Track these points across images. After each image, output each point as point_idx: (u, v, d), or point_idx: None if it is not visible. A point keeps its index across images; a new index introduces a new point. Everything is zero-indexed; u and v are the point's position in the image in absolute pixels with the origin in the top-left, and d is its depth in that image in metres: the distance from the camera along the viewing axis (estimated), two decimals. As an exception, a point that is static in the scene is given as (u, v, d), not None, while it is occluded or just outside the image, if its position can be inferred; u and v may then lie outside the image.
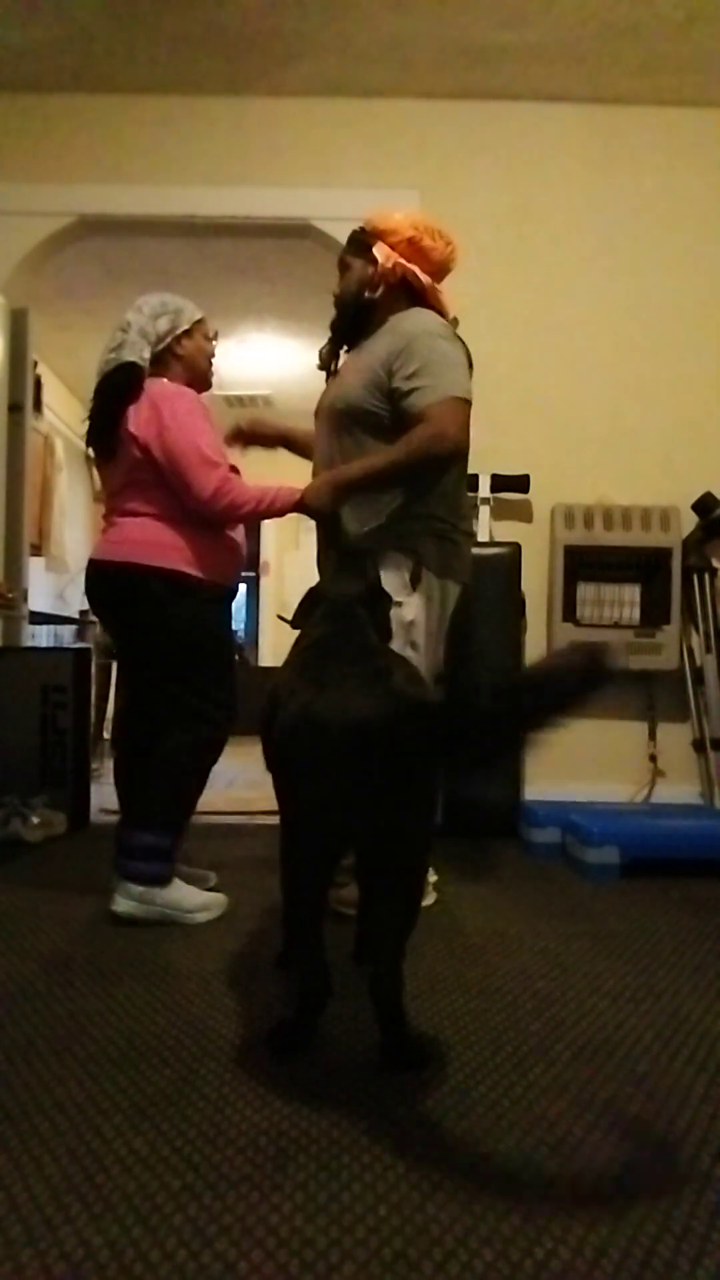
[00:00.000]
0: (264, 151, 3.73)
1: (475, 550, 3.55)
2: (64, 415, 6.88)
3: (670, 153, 3.77)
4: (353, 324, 2.47)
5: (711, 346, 3.76)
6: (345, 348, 2.52)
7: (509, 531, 3.72)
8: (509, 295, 3.75)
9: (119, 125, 3.73)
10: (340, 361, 2.53)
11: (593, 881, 2.81)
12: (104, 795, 3.98)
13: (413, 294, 2.42)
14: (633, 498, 3.69)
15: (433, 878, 2.45)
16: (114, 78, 3.62)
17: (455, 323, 2.45)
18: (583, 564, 3.63)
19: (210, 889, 2.48)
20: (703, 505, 3.63)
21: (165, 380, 2.39)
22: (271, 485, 2.35)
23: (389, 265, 2.38)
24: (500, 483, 3.67)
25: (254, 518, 2.38)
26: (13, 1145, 1.26)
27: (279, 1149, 1.26)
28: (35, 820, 3.25)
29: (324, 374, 2.57)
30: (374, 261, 2.39)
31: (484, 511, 3.68)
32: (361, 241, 2.45)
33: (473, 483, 3.67)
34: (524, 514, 3.75)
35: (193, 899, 2.34)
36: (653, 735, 3.67)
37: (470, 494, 3.68)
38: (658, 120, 3.76)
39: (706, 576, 3.70)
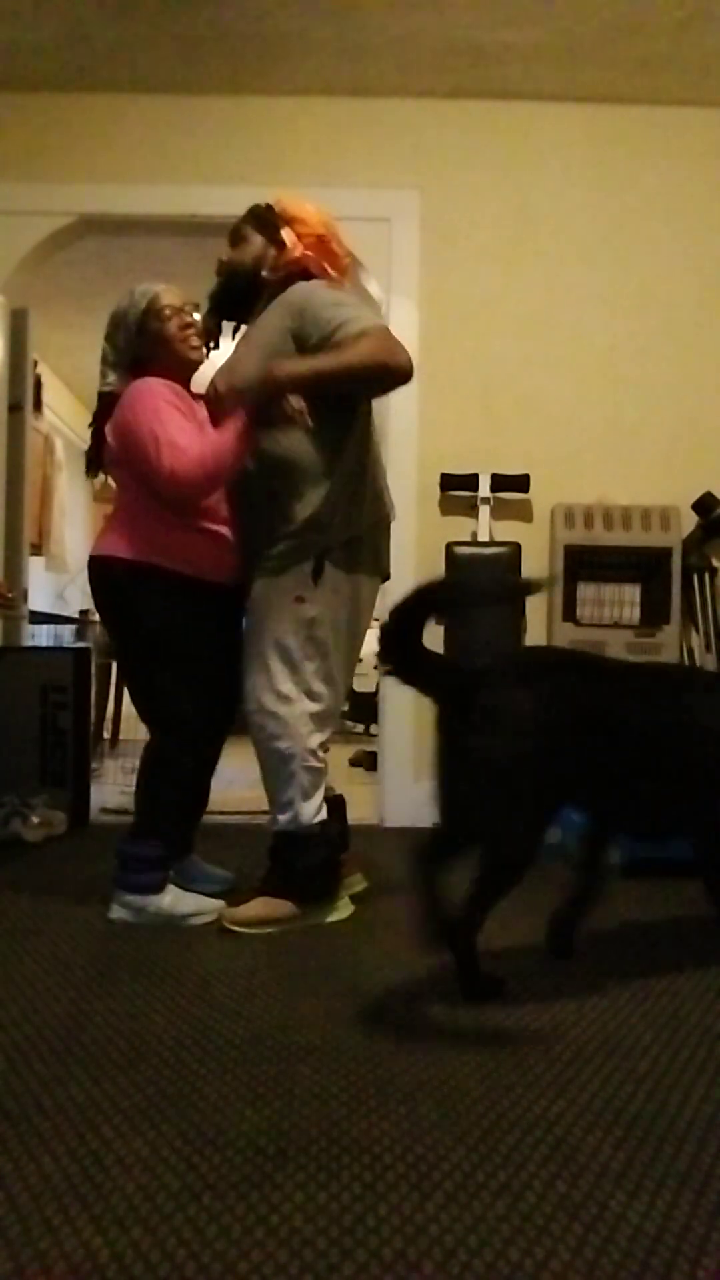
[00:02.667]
0: (264, 151, 3.73)
1: (475, 550, 3.61)
2: (64, 415, 6.89)
3: (670, 153, 3.77)
4: (238, 298, 2.41)
5: (711, 346, 3.76)
6: (226, 320, 2.47)
7: (509, 531, 3.72)
8: (509, 295, 3.75)
9: (119, 125, 3.73)
10: (221, 335, 2.48)
11: (593, 881, 2.80)
12: (104, 795, 3.98)
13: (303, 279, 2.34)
14: (633, 498, 3.69)
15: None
16: (114, 78, 3.62)
17: None
18: (583, 564, 3.63)
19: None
20: (703, 505, 3.63)
21: (141, 380, 2.34)
22: (224, 434, 2.22)
23: (296, 253, 2.33)
24: (500, 483, 3.67)
25: (217, 475, 2.21)
26: (13, 1145, 1.26)
27: (279, 1149, 1.26)
28: (35, 820, 3.25)
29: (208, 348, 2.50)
30: (279, 244, 2.34)
31: (484, 511, 3.68)
32: (267, 219, 2.38)
33: (473, 482, 3.67)
34: (524, 514, 3.75)
35: (184, 905, 2.32)
36: (653, 735, 3.66)
37: (469, 493, 3.68)
38: (658, 120, 3.76)
39: (706, 576, 3.70)
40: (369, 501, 2.34)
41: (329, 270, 2.38)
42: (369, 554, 2.35)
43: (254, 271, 2.37)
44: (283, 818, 2.31)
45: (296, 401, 2.15)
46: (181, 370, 2.42)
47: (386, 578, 2.47)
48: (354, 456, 2.30)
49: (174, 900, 2.32)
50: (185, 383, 2.45)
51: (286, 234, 2.35)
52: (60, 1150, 1.25)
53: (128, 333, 2.40)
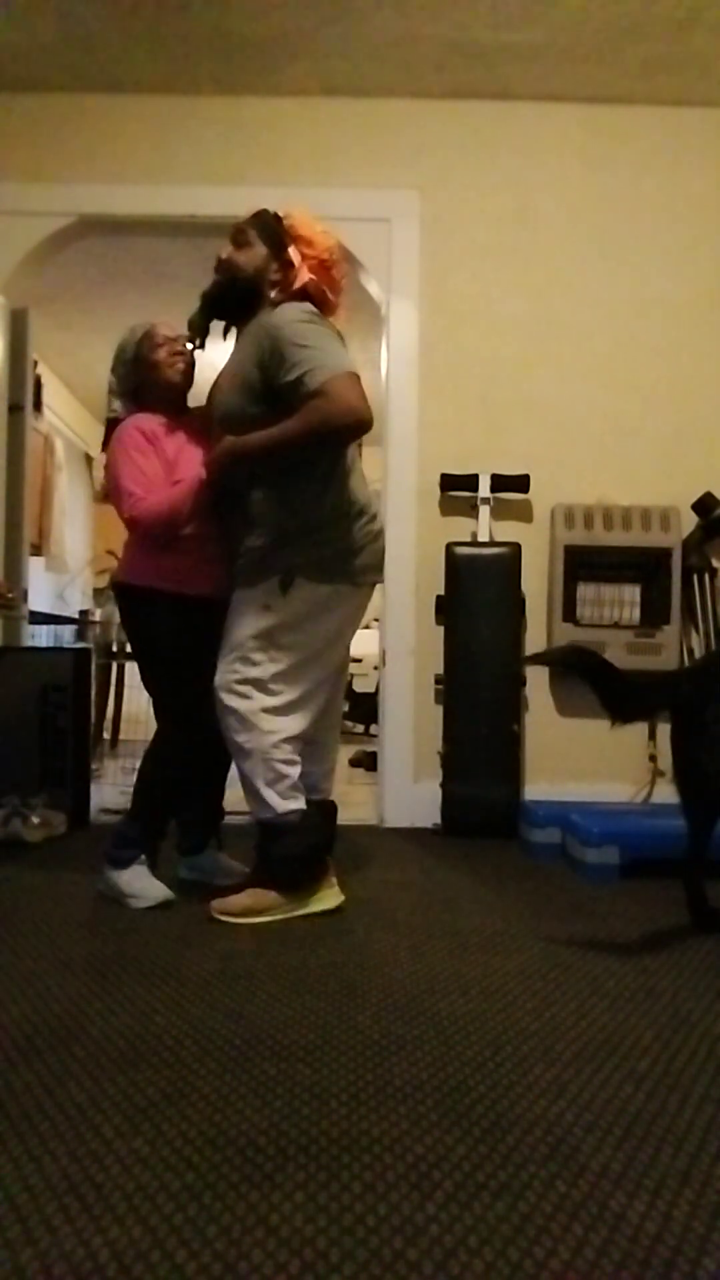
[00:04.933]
0: (264, 151, 3.73)
1: (476, 550, 3.62)
2: (64, 415, 6.89)
3: (670, 153, 3.77)
4: (234, 302, 2.43)
5: (711, 346, 3.76)
6: (215, 320, 2.51)
7: (509, 531, 3.72)
8: (509, 295, 3.75)
9: (119, 125, 3.73)
10: (209, 334, 2.53)
11: (593, 881, 2.81)
12: (104, 795, 3.98)
13: (294, 299, 2.37)
14: (633, 498, 3.69)
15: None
16: (114, 78, 3.62)
17: (340, 337, 2.46)
18: (583, 564, 3.63)
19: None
20: (703, 505, 3.63)
21: (130, 419, 2.53)
22: (181, 486, 2.42)
23: (302, 277, 2.36)
24: (500, 483, 3.67)
25: (172, 521, 2.41)
26: (13, 1145, 1.26)
27: (279, 1149, 1.26)
28: (35, 820, 3.25)
29: (194, 346, 2.56)
30: (286, 262, 2.37)
31: (484, 511, 3.68)
32: (274, 231, 2.40)
33: (473, 483, 3.67)
34: (524, 514, 3.75)
35: (134, 886, 2.46)
36: (653, 735, 3.67)
37: (469, 494, 3.68)
38: (658, 120, 3.76)
39: (706, 576, 3.70)
40: (346, 518, 2.37)
41: (328, 296, 2.41)
42: (348, 565, 2.38)
43: (255, 280, 2.40)
44: (256, 809, 2.39)
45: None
46: (172, 393, 2.59)
47: (375, 583, 2.49)
48: (324, 479, 2.34)
49: (130, 879, 2.47)
50: (179, 402, 2.61)
51: (294, 253, 2.37)
52: (60, 1150, 1.25)
53: (125, 364, 2.60)
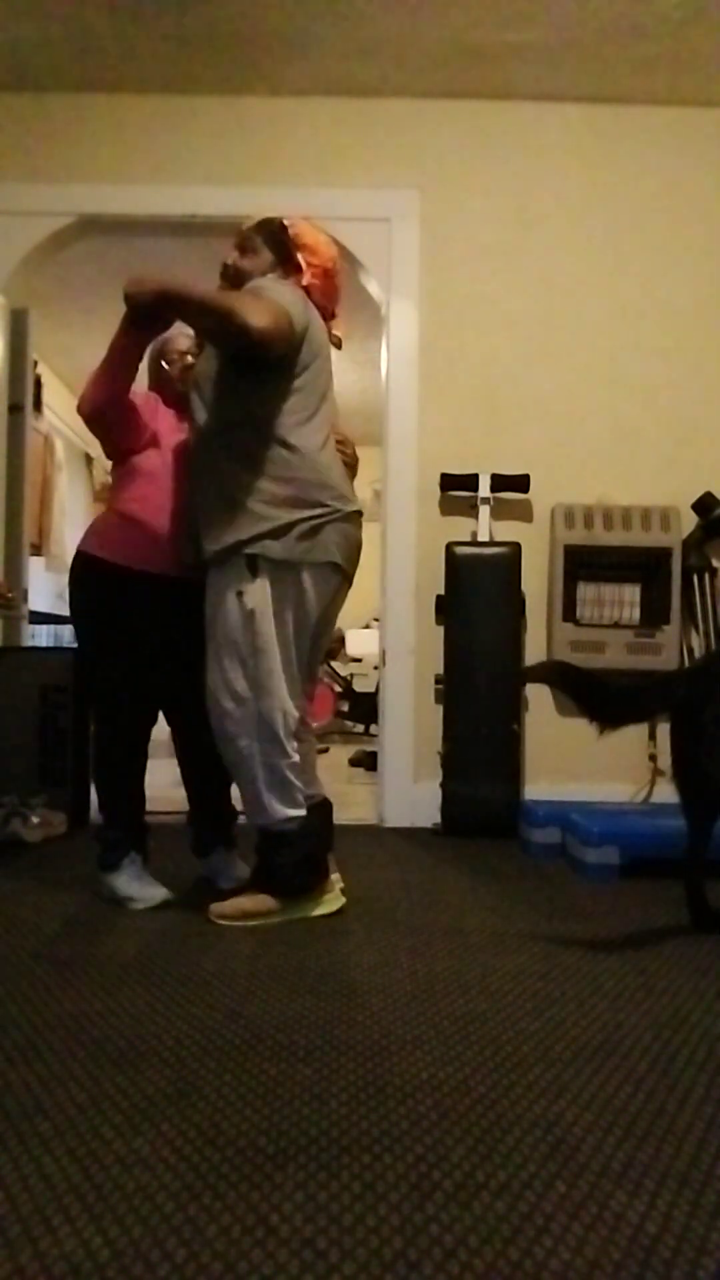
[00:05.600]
0: (264, 151, 3.73)
1: (476, 550, 3.61)
2: (64, 415, 6.88)
3: (670, 153, 3.77)
4: None
5: (712, 346, 3.76)
6: None
7: (509, 531, 3.72)
8: (509, 295, 3.75)
9: (119, 125, 3.73)
10: None
11: (592, 881, 2.81)
12: (104, 795, 3.98)
13: None
14: (633, 498, 3.69)
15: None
16: (114, 78, 3.62)
17: (339, 343, 2.50)
18: (583, 564, 3.63)
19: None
20: (703, 505, 3.63)
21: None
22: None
23: (304, 284, 2.39)
24: (500, 483, 3.67)
25: (110, 367, 2.36)
26: (13, 1145, 1.26)
27: (279, 1149, 1.26)
28: (35, 820, 3.25)
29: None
30: (295, 266, 2.39)
31: (484, 511, 3.69)
32: (280, 240, 2.42)
33: (473, 482, 3.67)
34: (524, 514, 3.75)
35: (130, 889, 2.46)
36: (653, 735, 3.67)
37: (469, 493, 3.68)
38: (658, 120, 3.76)
39: (706, 576, 3.70)
40: (307, 490, 2.32)
41: (328, 305, 2.43)
42: (309, 543, 2.31)
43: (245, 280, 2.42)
44: (255, 816, 2.36)
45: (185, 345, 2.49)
46: (177, 401, 2.62)
47: (346, 572, 2.42)
48: (280, 440, 2.31)
49: (125, 882, 2.47)
50: (178, 397, 2.62)
51: (303, 259, 2.40)
52: (60, 1150, 1.25)
53: (152, 353, 2.64)
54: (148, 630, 2.48)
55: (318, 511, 2.32)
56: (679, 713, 2.38)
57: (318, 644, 2.45)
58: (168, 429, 2.56)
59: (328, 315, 2.45)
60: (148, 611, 2.47)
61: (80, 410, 2.43)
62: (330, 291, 2.45)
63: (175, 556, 2.45)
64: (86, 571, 2.49)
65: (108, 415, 2.43)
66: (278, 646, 2.30)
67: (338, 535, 2.36)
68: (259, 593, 2.28)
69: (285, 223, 2.44)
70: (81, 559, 2.51)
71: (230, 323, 2.17)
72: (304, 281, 2.38)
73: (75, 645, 2.83)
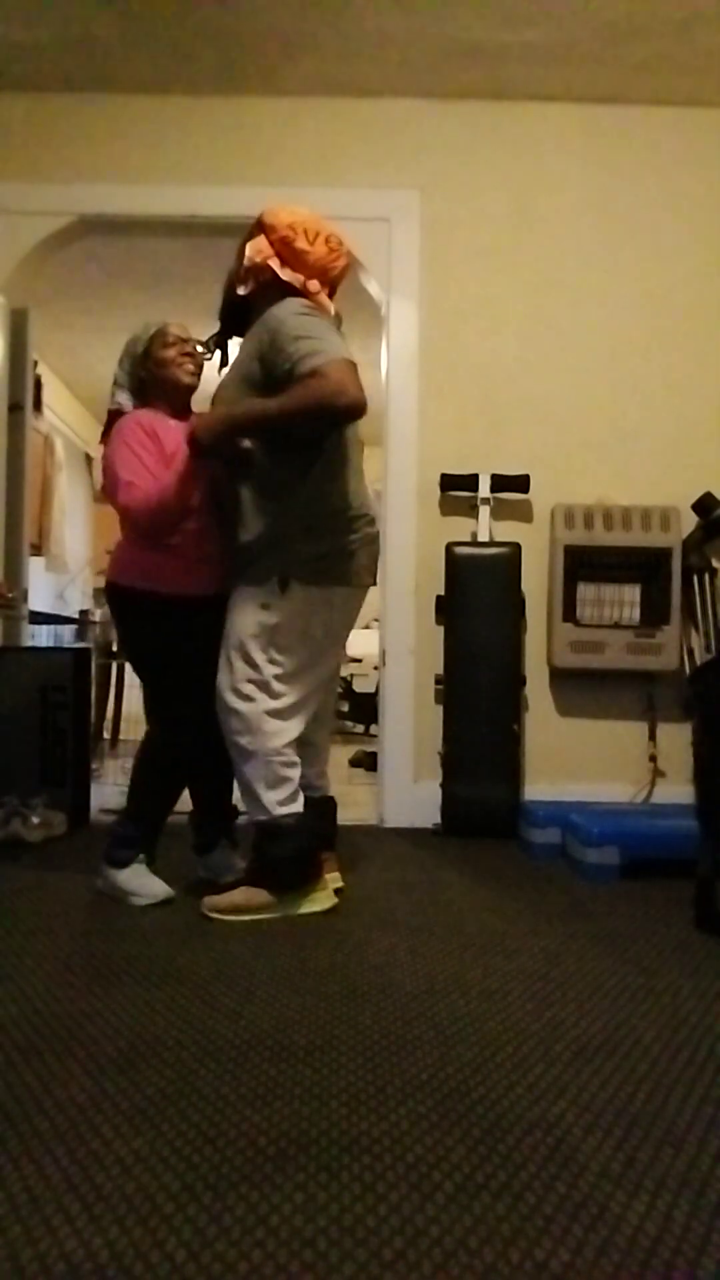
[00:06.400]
0: (264, 151, 3.73)
1: (476, 550, 3.61)
2: (64, 415, 6.89)
3: (670, 153, 3.77)
4: (231, 314, 2.48)
5: (711, 346, 3.76)
6: (233, 337, 2.54)
7: (509, 531, 3.72)
8: (509, 295, 3.75)
9: (119, 125, 3.73)
10: (227, 349, 2.57)
11: (593, 881, 2.81)
12: (104, 795, 3.98)
13: (288, 292, 2.36)
14: (633, 498, 3.69)
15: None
16: (114, 78, 3.62)
17: (339, 319, 2.46)
18: (583, 564, 3.63)
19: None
20: (703, 505, 3.63)
21: (131, 413, 2.54)
22: (171, 474, 2.40)
23: (251, 261, 2.37)
24: (500, 483, 3.67)
25: (161, 506, 2.38)
26: (13, 1145, 1.26)
27: (279, 1149, 1.26)
28: (35, 820, 3.25)
29: (205, 352, 2.61)
30: (241, 258, 2.40)
31: (484, 511, 3.68)
32: (250, 235, 2.43)
33: (473, 483, 3.67)
34: (524, 514, 3.75)
35: (134, 884, 2.48)
36: (653, 735, 3.67)
37: (469, 494, 3.68)
38: (658, 120, 3.76)
39: (706, 576, 3.70)
40: (343, 519, 2.38)
41: (294, 270, 2.37)
42: (344, 567, 2.38)
43: (231, 288, 2.45)
44: (252, 810, 2.40)
45: (245, 441, 2.33)
46: (177, 394, 2.59)
47: (369, 585, 2.49)
48: (320, 479, 2.35)
49: (128, 878, 2.49)
50: (183, 404, 2.62)
51: (251, 245, 2.40)
52: (60, 1150, 1.25)
53: (134, 358, 2.60)
54: (194, 650, 2.50)
55: (351, 538, 2.38)
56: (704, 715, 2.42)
57: (338, 653, 2.52)
58: (178, 445, 2.50)
59: (306, 276, 2.38)
60: (191, 633, 2.50)
61: (138, 521, 2.40)
62: (298, 259, 2.36)
63: (206, 577, 2.49)
64: (138, 605, 2.51)
65: (169, 520, 2.42)
66: (297, 659, 2.36)
67: (367, 558, 2.44)
68: (286, 609, 2.33)
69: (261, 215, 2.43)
70: (127, 593, 2.51)
71: (323, 414, 2.20)
72: (256, 258, 2.36)
73: (86, 645, 2.83)
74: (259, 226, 2.42)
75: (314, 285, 2.39)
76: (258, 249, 2.39)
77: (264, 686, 2.34)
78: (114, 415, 2.58)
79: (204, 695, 2.44)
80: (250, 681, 2.34)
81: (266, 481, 2.35)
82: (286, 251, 2.37)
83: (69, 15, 3.26)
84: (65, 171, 3.72)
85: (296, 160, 3.73)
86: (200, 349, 2.61)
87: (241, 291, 2.42)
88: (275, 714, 2.35)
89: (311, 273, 2.39)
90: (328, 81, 3.64)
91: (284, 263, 2.38)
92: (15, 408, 3.76)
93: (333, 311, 2.45)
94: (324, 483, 2.35)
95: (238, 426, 2.30)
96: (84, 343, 6.08)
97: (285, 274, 2.37)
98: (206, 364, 2.63)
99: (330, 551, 2.36)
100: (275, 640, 2.34)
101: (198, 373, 2.60)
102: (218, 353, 2.61)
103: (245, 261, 2.39)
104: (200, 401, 2.63)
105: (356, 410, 2.21)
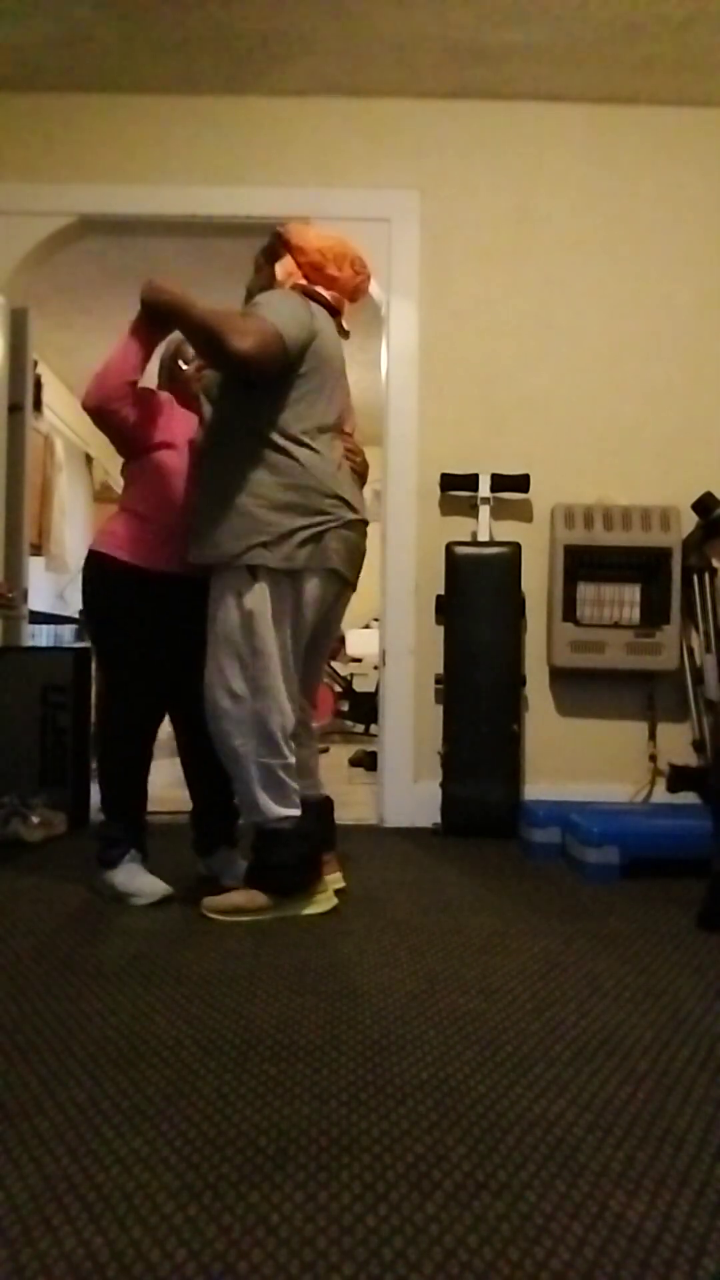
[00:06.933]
0: (264, 151, 3.73)
1: (476, 550, 3.61)
2: (64, 415, 6.88)
3: (670, 153, 3.77)
4: None
5: (711, 346, 3.76)
6: None
7: (509, 531, 3.72)
8: (509, 295, 3.75)
9: (119, 125, 3.73)
10: None
11: (593, 881, 2.81)
12: (104, 795, 3.98)
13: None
14: (633, 498, 3.69)
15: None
16: (114, 78, 3.62)
17: (345, 334, 2.53)
18: (583, 564, 3.63)
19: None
20: (703, 505, 3.63)
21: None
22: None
23: (288, 284, 2.43)
24: (500, 483, 3.67)
25: (105, 369, 2.41)
26: (13, 1145, 1.26)
27: (279, 1149, 1.26)
28: (35, 820, 3.25)
29: None
30: (272, 275, 2.45)
31: (484, 511, 3.68)
32: (273, 250, 2.49)
33: (473, 482, 3.67)
34: (524, 514, 3.75)
35: (132, 885, 2.48)
36: (653, 735, 3.67)
37: (469, 493, 3.68)
38: (658, 120, 3.76)
39: (706, 576, 3.70)
40: (310, 496, 2.34)
41: (327, 292, 2.44)
42: (310, 549, 2.33)
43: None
44: (248, 812, 2.40)
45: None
46: (190, 406, 2.62)
47: (347, 578, 2.45)
48: (285, 450, 2.33)
49: (124, 879, 2.49)
50: (192, 397, 2.60)
51: (279, 267, 2.45)
52: (60, 1150, 1.25)
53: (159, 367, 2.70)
54: (159, 629, 2.51)
55: (319, 520, 2.34)
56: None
57: (319, 648, 2.49)
58: (183, 430, 2.57)
59: (336, 305, 2.46)
60: (159, 610, 2.50)
61: (86, 404, 2.43)
62: (324, 281, 2.44)
63: (179, 555, 2.48)
64: (100, 570, 2.52)
65: (113, 405, 2.43)
66: (276, 649, 2.32)
67: (338, 542, 2.38)
68: (258, 596, 2.31)
69: (279, 230, 2.48)
70: (95, 558, 2.53)
71: (217, 344, 2.22)
72: (286, 281, 2.41)
73: (88, 643, 2.86)
74: (284, 246, 2.45)
75: (343, 305, 2.49)
76: (288, 271, 2.44)
77: (254, 684, 2.32)
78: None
79: (193, 684, 2.42)
80: (241, 680, 2.32)
81: (236, 462, 2.34)
82: (316, 276, 2.43)
83: (69, 15, 3.26)
84: (65, 171, 3.72)
85: (296, 160, 3.73)
86: None
87: None
88: (265, 712, 2.32)
89: (342, 294, 2.48)
90: (328, 81, 3.64)
91: (311, 284, 2.44)
92: (15, 408, 3.76)
93: (345, 327, 2.52)
94: (287, 452, 2.33)
95: (173, 307, 2.29)
96: (84, 343, 6.08)
97: (326, 293, 2.44)
98: None
99: (295, 530, 2.30)
100: (255, 630, 2.31)
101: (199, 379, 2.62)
102: None
103: (273, 282, 2.44)
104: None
105: (240, 358, 2.21)
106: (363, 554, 2.48)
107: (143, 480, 2.55)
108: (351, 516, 2.41)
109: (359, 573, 2.49)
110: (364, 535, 2.47)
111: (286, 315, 2.30)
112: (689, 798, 3.64)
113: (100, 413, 2.44)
